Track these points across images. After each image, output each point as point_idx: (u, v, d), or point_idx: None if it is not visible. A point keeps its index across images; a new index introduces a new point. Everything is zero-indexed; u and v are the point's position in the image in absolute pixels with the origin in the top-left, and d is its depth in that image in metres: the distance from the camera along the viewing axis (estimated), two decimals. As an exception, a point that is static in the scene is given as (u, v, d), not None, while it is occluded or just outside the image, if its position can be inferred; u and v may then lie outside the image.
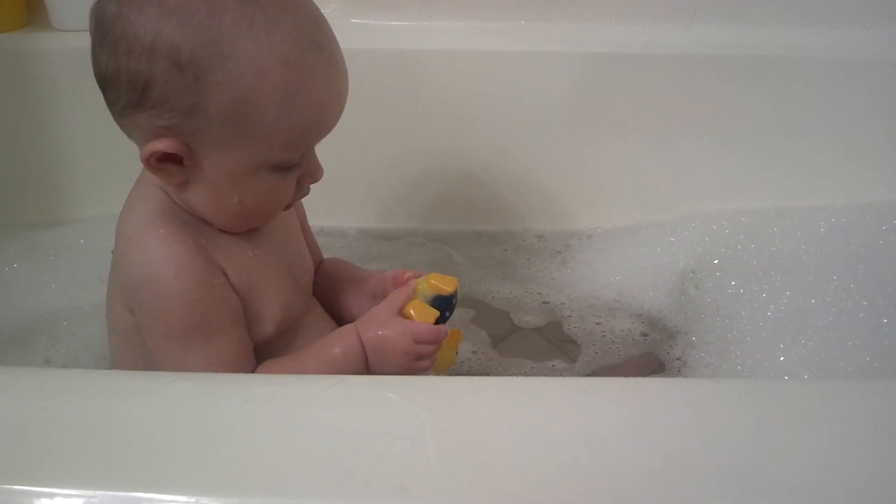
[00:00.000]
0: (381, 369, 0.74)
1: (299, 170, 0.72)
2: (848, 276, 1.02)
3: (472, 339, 1.03)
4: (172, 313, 0.68)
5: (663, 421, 0.51)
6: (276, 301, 0.75)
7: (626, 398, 0.53)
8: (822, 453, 0.48)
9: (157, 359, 0.71)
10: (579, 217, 1.24)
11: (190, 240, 0.69)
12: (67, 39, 1.17)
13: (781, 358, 0.94)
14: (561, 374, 0.98)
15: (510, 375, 0.98)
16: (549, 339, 1.05)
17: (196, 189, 0.70)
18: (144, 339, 0.72)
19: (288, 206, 0.76)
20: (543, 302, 1.10)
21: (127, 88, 0.65)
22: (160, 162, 0.67)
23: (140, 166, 0.75)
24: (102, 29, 0.65)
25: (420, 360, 0.74)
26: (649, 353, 1.01)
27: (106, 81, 0.67)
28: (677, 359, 0.99)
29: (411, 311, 0.75)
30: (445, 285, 0.78)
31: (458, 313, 1.08)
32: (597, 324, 1.06)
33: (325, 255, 0.93)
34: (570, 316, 1.07)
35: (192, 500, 0.45)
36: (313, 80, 0.66)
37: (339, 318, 0.85)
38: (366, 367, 0.74)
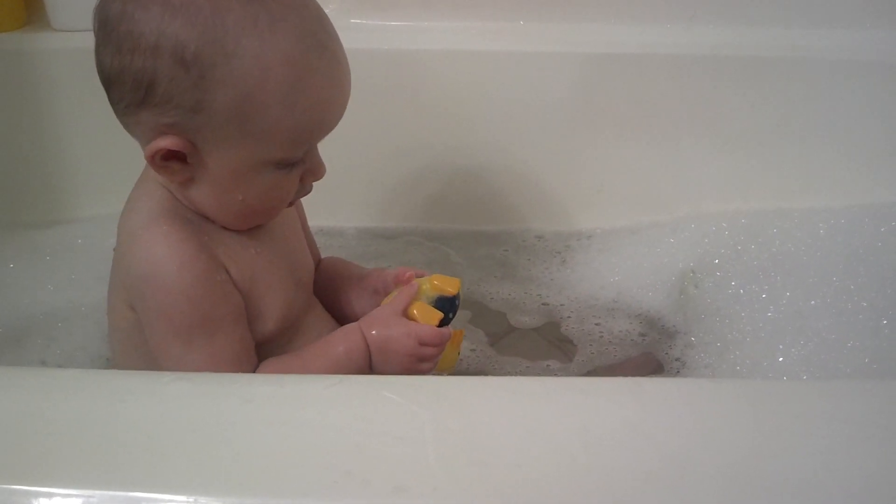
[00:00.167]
0: (383, 369, 0.74)
1: (302, 167, 0.72)
2: (847, 277, 1.02)
3: (470, 339, 1.04)
4: (174, 310, 0.69)
5: (662, 421, 0.51)
6: (277, 299, 0.76)
7: (624, 398, 0.53)
8: (821, 453, 0.48)
9: (158, 356, 0.71)
10: (579, 217, 1.24)
11: (193, 237, 0.70)
12: (66, 39, 1.17)
13: (781, 359, 0.94)
14: (556, 374, 0.98)
15: (506, 375, 0.98)
16: (546, 338, 1.05)
17: (200, 187, 0.70)
18: (146, 336, 0.72)
19: (290, 204, 0.76)
20: (543, 303, 1.10)
21: (131, 86, 0.65)
22: (164, 160, 0.68)
23: (140, 165, 0.76)
24: (106, 28, 0.65)
25: (423, 361, 0.74)
26: (647, 353, 1.01)
27: (110, 80, 0.67)
28: (676, 359, 0.99)
29: (415, 313, 0.75)
30: (449, 286, 0.78)
31: (459, 315, 1.08)
32: (596, 324, 1.06)
33: (324, 255, 0.93)
34: (569, 317, 1.08)
35: (191, 499, 0.45)
36: (317, 79, 0.67)
37: (339, 317, 0.85)
38: (368, 366, 0.74)
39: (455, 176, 1.23)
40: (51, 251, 1.12)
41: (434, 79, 1.18)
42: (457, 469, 0.46)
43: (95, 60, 0.68)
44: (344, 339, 0.74)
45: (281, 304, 0.76)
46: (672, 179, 1.20)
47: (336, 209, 1.22)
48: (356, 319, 0.77)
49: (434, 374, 0.78)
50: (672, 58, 1.15)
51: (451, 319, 0.78)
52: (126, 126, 0.70)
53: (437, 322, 0.75)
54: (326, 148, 0.75)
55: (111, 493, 0.46)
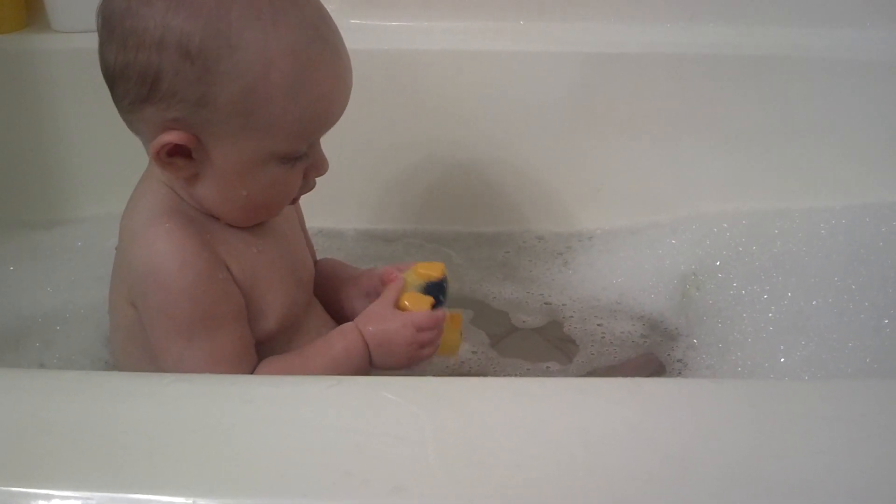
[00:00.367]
0: (386, 363, 0.75)
1: (306, 162, 0.73)
2: (848, 277, 1.02)
3: (471, 340, 1.03)
4: (176, 307, 0.69)
5: (662, 421, 0.51)
6: (278, 297, 0.76)
7: (624, 398, 0.53)
8: (821, 454, 0.48)
9: (159, 353, 0.71)
10: (579, 218, 1.23)
11: (195, 235, 0.70)
12: (66, 40, 1.17)
13: (782, 359, 0.94)
14: (556, 375, 0.98)
15: (506, 376, 0.97)
16: (547, 339, 1.05)
17: (205, 182, 0.71)
18: (147, 333, 0.72)
19: (293, 201, 0.77)
20: (545, 303, 1.10)
21: (136, 82, 0.66)
22: (169, 156, 0.68)
23: (141, 166, 0.76)
24: (110, 25, 0.66)
25: (424, 347, 0.75)
26: (649, 353, 1.01)
27: (114, 77, 0.67)
28: (678, 360, 0.99)
29: (406, 303, 0.76)
30: (432, 271, 0.79)
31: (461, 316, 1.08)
32: (598, 325, 1.06)
33: (324, 256, 0.93)
34: (571, 317, 1.07)
35: (191, 500, 0.45)
36: (320, 72, 0.68)
37: (336, 318, 0.85)
38: (368, 363, 0.75)
39: (454, 177, 1.23)
40: (50, 252, 1.12)
41: (434, 79, 1.18)
42: (456, 469, 0.46)
43: (99, 58, 0.68)
44: (342, 338, 0.74)
45: (282, 302, 0.76)
46: (672, 179, 1.20)
47: (335, 210, 1.21)
48: (352, 320, 0.77)
49: (439, 359, 0.79)
50: (672, 57, 1.15)
51: (443, 302, 0.79)
52: (130, 124, 0.71)
53: (428, 307, 0.76)
54: (326, 149, 0.75)
55: (111, 494, 0.46)
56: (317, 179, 0.77)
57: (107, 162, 1.17)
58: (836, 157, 1.15)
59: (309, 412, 0.51)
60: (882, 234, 1.07)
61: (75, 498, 0.45)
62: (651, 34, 1.17)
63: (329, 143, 0.75)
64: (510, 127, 1.20)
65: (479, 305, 1.11)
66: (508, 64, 1.17)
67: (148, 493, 0.45)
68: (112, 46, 0.66)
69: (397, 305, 0.76)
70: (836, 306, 0.98)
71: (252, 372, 0.72)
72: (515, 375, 0.98)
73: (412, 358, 0.75)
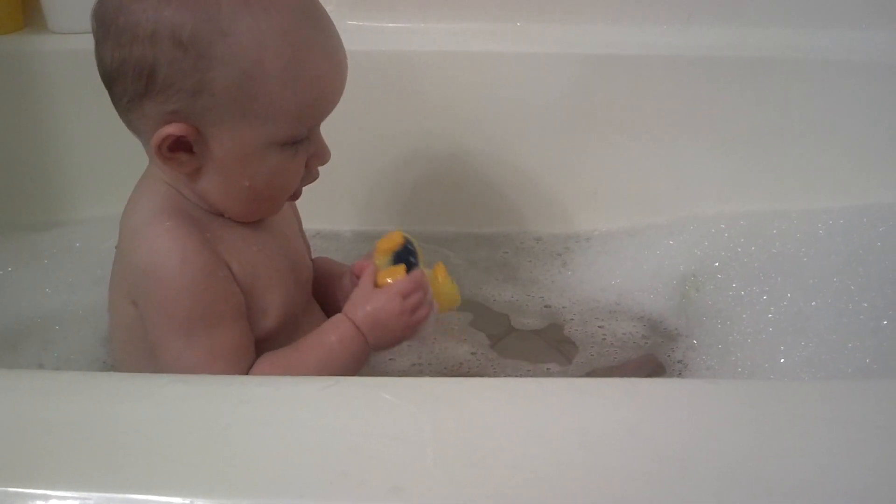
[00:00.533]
0: (386, 341, 0.76)
1: (307, 151, 0.73)
2: (847, 277, 1.02)
3: (470, 342, 1.03)
4: (176, 303, 0.69)
5: (659, 421, 0.51)
6: (278, 296, 0.76)
7: (622, 399, 0.53)
8: (820, 454, 0.48)
9: (158, 350, 0.71)
10: (577, 219, 1.24)
11: (196, 233, 0.70)
12: (64, 42, 1.17)
13: (782, 360, 0.94)
14: (556, 376, 0.98)
15: (505, 376, 0.97)
16: (546, 340, 1.05)
17: (207, 176, 0.71)
18: (147, 332, 0.72)
19: (296, 194, 0.77)
20: (545, 305, 1.10)
21: (133, 78, 0.66)
22: (171, 151, 0.68)
23: (140, 166, 0.76)
24: (105, 25, 0.67)
25: (416, 311, 0.76)
26: (648, 354, 1.01)
27: (111, 77, 0.68)
28: (678, 361, 0.99)
29: (382, 279, 0.77)
30: (393, 242, 0.79)
31: (459, 317, 1.08)
32: (599, 326, 1.06)
33: (317, 256, 0.93)
34: (572, 319, 1.07)
35: (188, 501, 0.45)
36: (313, 53, 0.68)
37: (330, 315, 0.85)
38: (367, 348, 0.75)
39: (452, 178, 1.23)
40: (49, 254, 1.12)
41: (431, 80, 1.18)
42: (454, 470, 0.46)
43: (96, 60, 0.69)
44: (335, 329, 0.75)
45: (281, 300, 0.76)
46: (670, 180, 1.20)
47: (333, 212, 1.22)
48: None
49: (444, 317, 0.80)
50: (669, 58, 1.15)
51: (416, 263, 0.79)
52: (129, 124, 0.71)
53: (403, 274, 0.77)
54: (324, 149, 0.75)
55: (108, 494, 0.46)
56: (315, 182, 0.77)
57: (104, 163, 1.17)
58: (834, 158, 1.15)
59: (306, 413, 0.51)
60: (880, 234, 1.07)
61: (73, 498, 0.45)
62: (648, 35, 1.17)
63: (327, 143, 0.75)
64: (507, 128, 1.20)
65: (478, 307, 1.11)
66: (506, 65, 1.17)
67: (145, 494, 0.45)
68: (107, 46, 0.67)
69: (376, 286, 0.77)
70: (835, 307, 0.99)
71: (250, 368, 0.73)
72: (515, 377, 0.98)
73: (409, 326, 0.75)
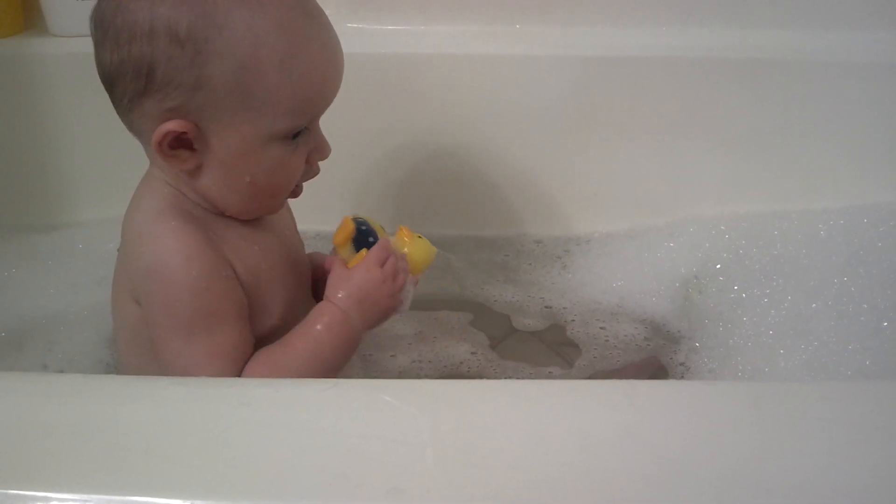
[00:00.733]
0: (375, 315, 0.76)
1: (307, 145, 0.73)
2: (848, 278, 1.02)
3: (471, 342, 1.03)
4: (178, 302, 0.69)
5: (658, 423, 0.51)
6: (280, 294, 0.77)
7: (621, 401, 0.52)
8: (820, 456, 0.48)
9: (159, 348, 0.71)
10: (577, 222, 1.23)
11: (199, 233, 0.71)
12: (64, 45, 1.17)
13: (782, 363, 0.94)
14: (557, 378, 0.98)
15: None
16: (547, 342, 1.05)
17: (208, 173, 0.71)
18: (150, 329, 0.72)
19: (296, 193, 0.77)
20: (546, 307, 1.10)
21: (132, 77, 0.67)
22: (172, 148, 0.69)
23: (140, 168, 0.76)
24: (103, 26, 0.67)
25: (396, 276, 0.76)
26: (650, 357, 1.01)
27: (111, 77, 0.68)
28: (680, 364, 0.99)
29: (352, 263, 0.77)
30: (345, 230, 0.79)
31: (459, 318, 1.08)
32: (601, 328, 1.05)
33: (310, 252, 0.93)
34: (573, 321, 1.07)
35: (188, 502, 0.45)
36: (309, 44, 0.69)
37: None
38: (355, 329, 0.75)
39: (452, 180, 1.23)
40: (51, 255, 1.13)
41: (431, 83, 1.18)
42: (453, 472, 0.46)
43: (96, 63, 0.69)
44: (319, 317, 0.74)
45: (283, 298, 0.77)
46: (670, 182, 1.20)
47: (333, 214, 1.19)
48: None
49: (430, 278, 0.80)
50: (668, 60, 1.15)
51: (375, 241, 0.79)
52: (131, 125, 0.71)
53: (365, 253, 0.77)
54: (324, 151, 0.75)
55: (109, 496, 0.46)
56: (315, 181, 0.78)
57: (105, 166, 1.17)
58: (834, 159, 1.15)
59: (306, 415, 0.51)
60: (880, 234, 1.07)
61: (73, 500, 0.45)
62: (648, 37, 1.17)
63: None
64: (507, 130, 1.20)
65: (479, 308, 1.11)
66: (506, 67, 1.17)
67: (146, 496, 0.46)
68: (106, 47, 0.67)
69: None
70: (836, 309, 0.99)
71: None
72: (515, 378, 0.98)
73: (393, 293, 0.76)
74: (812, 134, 1.15)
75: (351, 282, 0.75)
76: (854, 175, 1.15)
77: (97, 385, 0.57)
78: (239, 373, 0.71)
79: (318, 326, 0.74)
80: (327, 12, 0.72)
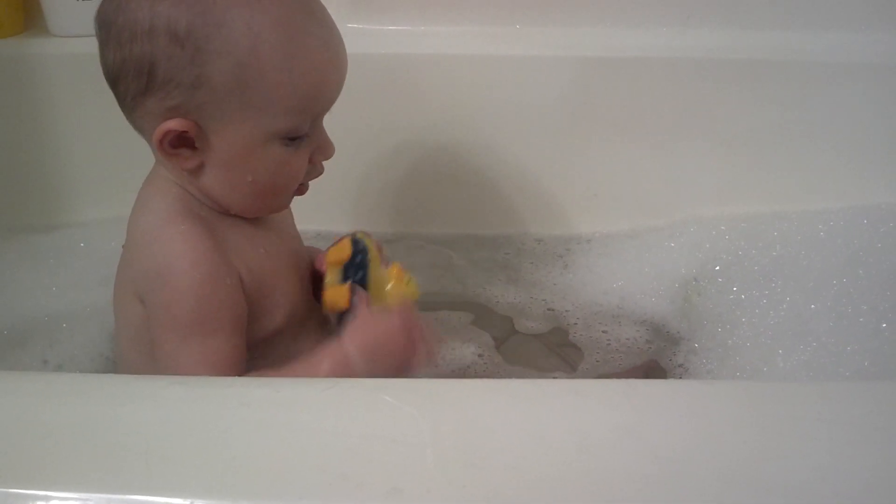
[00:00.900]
0: (377, 372, 0.72)
1: (310, 146, 0.73)
2: (847, 280, 1.02)
3: (475, 342, 1.04)
4: (180, 304, 0.69)
5: (657, 423, 0.50)
6: (284, 295, 0.77)
7: (620, 401, 0.52)
8: (819, 456, 0.48)
9: (155, 347, 0.71)
10: (577, 221, 1.23)
11: (208, 237, 0.71)
12: (65, 45, 1.17)
13: (781, 364, 0.94)
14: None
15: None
16: (550, 345, 1.05)
17: (210, 171, 0.71)
18: (150, 328, 0.72)
19: (302, 191, 0.77)
20: (548, 309, 1.10)
21: (134, 75, 0.67)
22: (173, 146, 0.69)
23: (141, 168, 0.76)
24: (106, 26, 0.68)
25: (417, 344, 0.72)
26: (650, 360, 1.01)
27: (114, 77, 0.69)
28: (679, 365, 0.99)
29: (330, 298, 0.75)
30: (342, 251, 0.77)
31: (460, 318, 1.08)
32: (603, 331, 1.05)
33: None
34: (575, 323, 1.07)
35: (188, 502, 0.45)
36: (309, 42, 0.68)
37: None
38: (354, 376, 0.71)
39: (453, 180, 1.23)
40: (53, 255, 1.13)
41: (431, 83, 1.18)
42: (451, 471, 0.46)
43: (101, 63, 0.70)
44: (327, 357, 0.71)
45: (287, 300, 0.77)
46: (669, 183, 1.20)
47: (334, 214, 1.22)
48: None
49: (421, 279, 0.78)
50: (668, 61, 1.15)
51: (366, 274, 0.77)
52: (134, 123, 0.72)
53: (347, 296, 0.74)
54: (324, 152, 0.75)
55: (108, 496, 0.46)
56: (315, 180, 0.78)
57: (106, 166, 1.17)
58: (834, 160, 1.15)
59: (306, 415, 0.51)
60: (880, 235, 1.07)
61: (73, 499, 0.45)
62: (647, 38, 1.17)
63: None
64: (508, 130, 1.20)
65: (481, 308, 1.11)
66: (505, 68, 1.17)
67: (145, 495, 0.45)
68: (110, 46, 0.68)
69: (325, 303, 0.75)
70: (835, 310, 0.98)
71: None
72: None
73: (408, 360, 0.72)
74: (812, 134, 1.15)
75: (371, 335, 0.71)
76: (854, 176, 1.15)
77: (97, 385, 0.57)
78: None
79: (324, 366, 0.70)
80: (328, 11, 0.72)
